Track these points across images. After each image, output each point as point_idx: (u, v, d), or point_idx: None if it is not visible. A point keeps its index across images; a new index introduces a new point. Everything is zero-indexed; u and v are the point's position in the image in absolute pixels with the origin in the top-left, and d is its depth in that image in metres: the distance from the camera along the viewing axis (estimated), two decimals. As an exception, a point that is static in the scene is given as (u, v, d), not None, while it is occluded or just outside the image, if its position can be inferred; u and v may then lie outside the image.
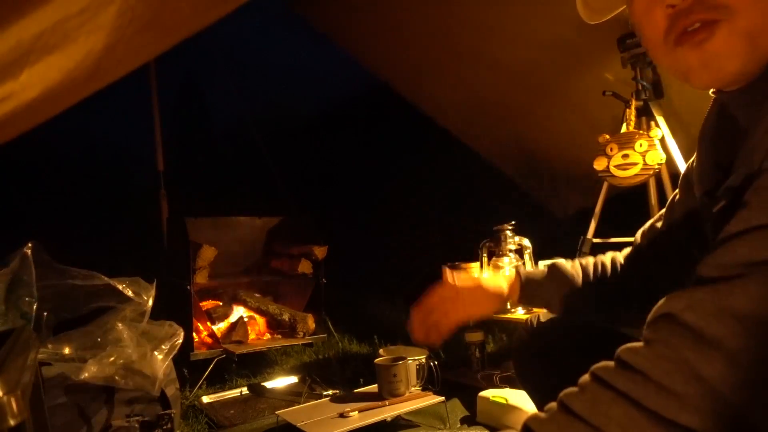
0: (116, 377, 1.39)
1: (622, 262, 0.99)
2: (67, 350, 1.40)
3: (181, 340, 1.56)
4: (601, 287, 0.97)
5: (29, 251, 1.42)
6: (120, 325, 1.45)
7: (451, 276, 1.02)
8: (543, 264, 1.07)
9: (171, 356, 1.51)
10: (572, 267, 0.99)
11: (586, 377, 0.54)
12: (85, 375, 1.34)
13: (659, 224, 0.95)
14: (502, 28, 2.29)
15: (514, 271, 1.03)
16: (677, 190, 0.90)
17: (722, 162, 0.69)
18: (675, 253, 0.88)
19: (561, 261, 1.01)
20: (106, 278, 1.50)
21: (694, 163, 0.82)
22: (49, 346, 1.39)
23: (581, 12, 0.80)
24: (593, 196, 2.29)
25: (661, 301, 0.53)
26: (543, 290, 0.99)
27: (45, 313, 1.46)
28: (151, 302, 1.54)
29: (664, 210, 0.95)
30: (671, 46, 0.62)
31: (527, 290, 1.00)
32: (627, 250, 1.00)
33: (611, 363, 0.53)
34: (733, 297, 0.48)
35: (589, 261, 1.01)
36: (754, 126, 0.58)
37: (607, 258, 1.00)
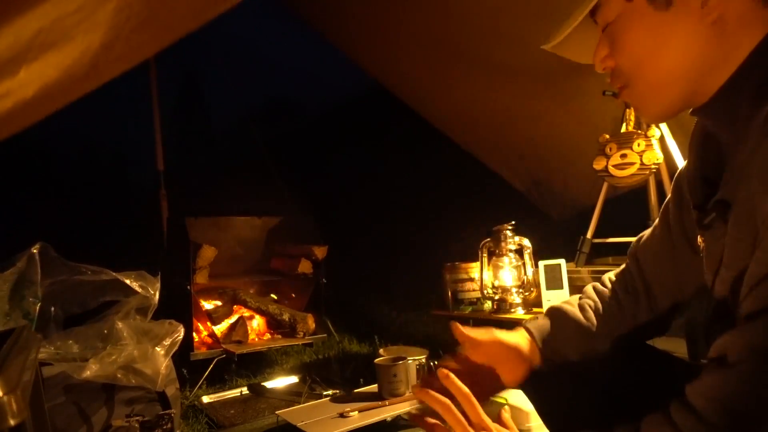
0: (118, 375, 1.39)
1: (620, 294, 0.96)
2: (70, 348, 1.40)
3: (181, 337, 1.56)
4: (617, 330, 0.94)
5: (37, 251, 1.43)
6: (120, 324, 1.45)
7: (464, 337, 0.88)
8: (548, 312, 0.99)
9: (172, 352, 1.51)
10: (581, 316, 0.95)
11: None
12: (87, 374, 1.34)
13: (655, 232, 0.93)
14: (499, 29, 2.28)
15: (522, 330, 0.94)
16: (670, 196, 0.91)
17: (710, 176, 0.74)
18: (680, 259, 0.88)
19: (567, 312, 0.95)
20: (113, 273, 1.51)
21: (686, 172, 0.84)
22: (58, 343, 1.39)
23: (576, 59, 0.88)
24: (591, 198, 2.29)
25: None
26: (560, 347, 0.94)
27: (52, 308, 1.46)
28: (157, 295, 1.55)
29: (657, 222, 0.95)
30: None
31: (546, 352, 0.93)
32: (620, 277, 0.97)
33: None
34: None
35: (594, 306, 0.96)
36: (741, 144, 0.63)
37: (606, 297, 0.96)
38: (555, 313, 0.97)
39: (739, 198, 0.61)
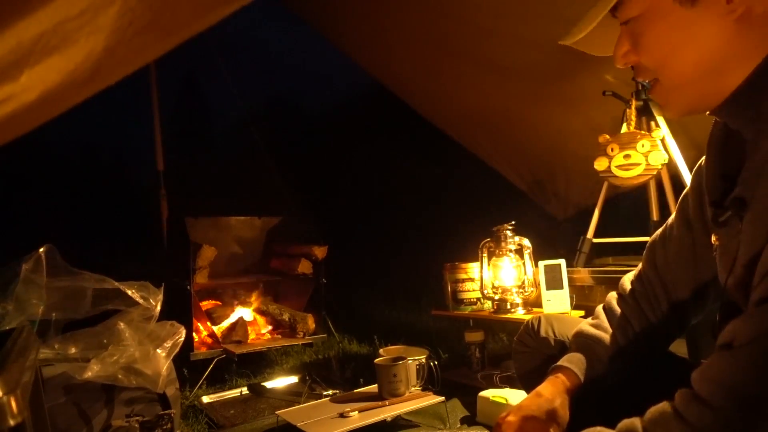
0: (119, 376, 1.39)
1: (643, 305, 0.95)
2: (72, 350, 1.40)
3: (183, 339, 1.56)
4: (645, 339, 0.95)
5: (43, 253, 1.43)
6: (122, 324, 1.45)
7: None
8: (579, 343, 0.98)
9: (173, 354, 1.51)
10: (611, 340, 0.95)
11: None
12: (89, 374, 1.34)
13: (672, 232, 0.93)
14: (499, 29, 2.28)
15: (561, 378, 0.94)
16: (689, 191, 0.90)
17: (728, 172, 0.73)
18: (699, 252, 0.88)
19: (598, 341, 0.96)
20: (115, 282, 1.50)
21: (704, 169, 0.83)
22: (56, 346, 1.39)
23: (593, 51, 0.86)
24: (593, 197, 2.29)
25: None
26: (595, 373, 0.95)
27: (53, 314, 1.46)
28: (158, 307, 1.55)
29: (671, 220, 0.94)
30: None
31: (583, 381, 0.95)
32: (639, 286, 0.97)
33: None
34: None
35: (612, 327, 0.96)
36: (762, 142, 0.62)
37: (630, 315, 0.96)
38: (586, 344, 0.96)
39: (757, 195, 0.61)
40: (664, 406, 0.60)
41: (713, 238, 0.77)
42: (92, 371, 1.34)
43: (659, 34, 0.70)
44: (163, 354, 1.47)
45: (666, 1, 0.68)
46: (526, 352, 1.12)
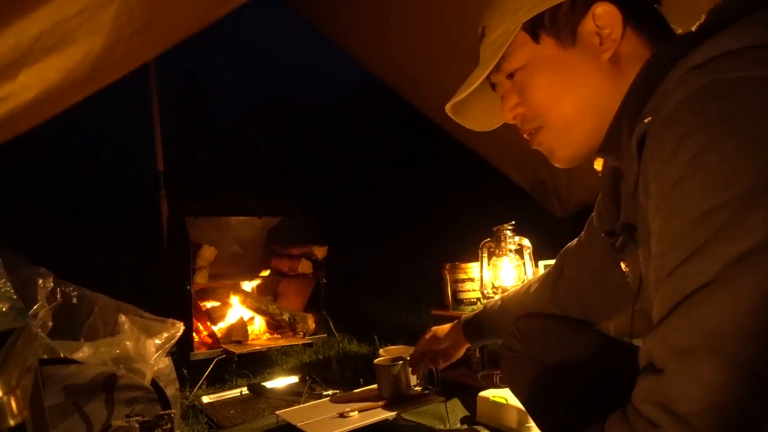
0: (108, 362, 1.39)
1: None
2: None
3: (179, 333, 1.56)
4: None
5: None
6: (123, 317, 1.46)
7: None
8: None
9: (167, 346, 1.51)
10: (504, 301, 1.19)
11: None
12: (79, 355, 1.35)
13: (583, 250, 1.06)
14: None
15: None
16: (593, 214, 1.00)
17: (619, 202, 0.80)
18: (595, 271, 1.00)
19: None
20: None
21: (601, 202, 0.91)
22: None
23: (471, 127, 0.91)
24: (594, 194, 2.29)
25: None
26: (484, 328, 1.25)
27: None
28: None
29: (583, 237, 1.05)
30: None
31: (467, 332, 1.27)
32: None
33: None
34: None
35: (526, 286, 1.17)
36: (628, 173, 0.67)
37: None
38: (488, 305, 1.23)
39: (639, 221, 0.65)
40: (621, 414, 0.61)
41: (623, 265, 0.82)
42: (83, 353, 1.35)
43: (545, 79, 0.74)
44: (158, 342, 1.48)
45: (549, 46, 0.72)
46: (513, 357, 1.11)
